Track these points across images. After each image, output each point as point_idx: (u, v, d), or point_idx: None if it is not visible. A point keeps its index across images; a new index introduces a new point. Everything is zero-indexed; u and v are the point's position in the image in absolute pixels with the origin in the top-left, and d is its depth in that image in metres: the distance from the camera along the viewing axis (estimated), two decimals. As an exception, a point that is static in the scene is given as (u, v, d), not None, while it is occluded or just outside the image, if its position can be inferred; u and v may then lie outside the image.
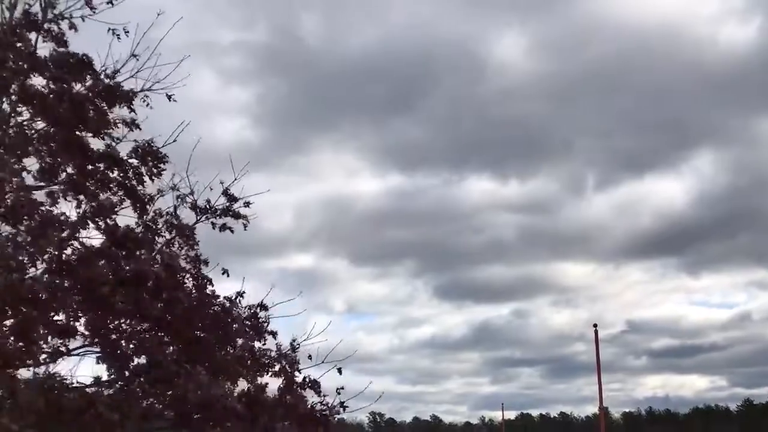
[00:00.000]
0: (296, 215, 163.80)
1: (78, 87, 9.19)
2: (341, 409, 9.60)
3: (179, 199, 9.86)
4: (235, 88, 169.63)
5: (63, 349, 8.99)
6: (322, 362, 9.65)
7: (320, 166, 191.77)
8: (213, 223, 10.04)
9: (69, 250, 9.07)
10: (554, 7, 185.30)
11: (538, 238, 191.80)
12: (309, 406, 9.44)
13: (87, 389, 8.66)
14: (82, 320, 9.04)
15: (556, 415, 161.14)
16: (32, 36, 9.28)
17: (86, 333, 9.19)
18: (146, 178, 9.57)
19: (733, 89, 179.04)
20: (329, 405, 9.54)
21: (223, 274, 9.78)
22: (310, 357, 9.70)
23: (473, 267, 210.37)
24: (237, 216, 10.04)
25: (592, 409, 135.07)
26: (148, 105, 9.64)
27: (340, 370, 9.60)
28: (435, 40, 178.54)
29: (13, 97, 9.02)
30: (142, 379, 9.00)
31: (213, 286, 9.65)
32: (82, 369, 9.35)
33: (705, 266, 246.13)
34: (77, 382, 8.89)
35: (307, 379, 9.53)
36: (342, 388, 9.54)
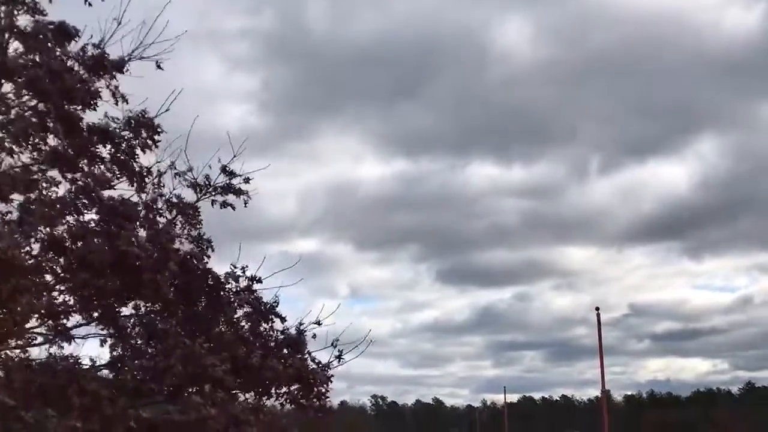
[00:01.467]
0: (301, 200, 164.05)
1: (59, 57, 8.84)
2: (336, 362, 9.53)
3: (177, 177, 9.62)
4: (240, 74, 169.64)
5: (61, 330, 8.84)
6: (333, 346, 9.55)
7: (325, 152, 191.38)
8: (213, 201, 9.78)
9: (62, 228, 8.85)
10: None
11: (541, 222, 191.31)
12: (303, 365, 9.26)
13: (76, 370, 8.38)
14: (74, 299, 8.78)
15: (558, 398, 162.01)
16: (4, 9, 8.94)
17: (83, 313, 9.01)
18: (138, 151, 9.24)
19: (736, 75, 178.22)
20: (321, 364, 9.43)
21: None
22: (314, 336, 9.54)
23: (476, 251, 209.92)
24: (237, 192, 9.81)
25: (594, 392, 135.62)
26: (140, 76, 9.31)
27: (339, 357, 9.54)
28: (439, 27, 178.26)
29: None
30: (141, 361, 8.77)
31: (208, 260, 9.43)
32: (87, 350, 9.26)
33: (707, 250, 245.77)
34: (78, 364, 8.68)
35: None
36: (337, 340, 9.50)
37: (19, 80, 8.64)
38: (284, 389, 9.36)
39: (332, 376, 9.52)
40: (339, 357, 9.55)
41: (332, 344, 9.52)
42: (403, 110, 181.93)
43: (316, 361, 9.50)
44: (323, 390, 9.40)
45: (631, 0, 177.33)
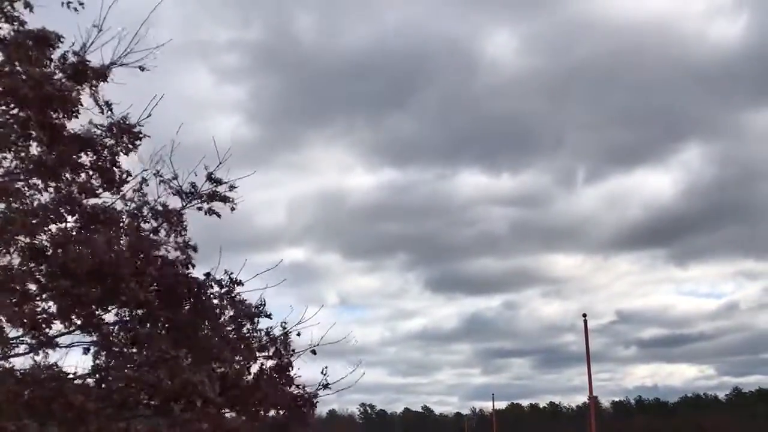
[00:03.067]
0: (289, 210, 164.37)
1: (41, 67, 8.78)
2: (324, 389, 9.54)
3: (163, 184, 9.59)
4: (229, 85, 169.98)
5: (45, 339, 8.75)
6: (313, 352, 9.57)
7: (313, 162, 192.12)
8: (199, 208, 9.74)
9: (44, 237, 8.77)
10: (545, 6, 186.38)
11: (528, 230, 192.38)
12: (293, 387, 9.25)
13: (62, 379, 8.30)
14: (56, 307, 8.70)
15: (546, 405, 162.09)
16: None
17: (65, 321, 8.92)
18: (120, 157, 9.22)
19: (720, 85, 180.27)
20: (308, 393, 9.42)
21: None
22: (298, 335, 9.52)
23: (464, 260, 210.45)
24: (223, 199, 9.78)
25: (582, 399, 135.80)
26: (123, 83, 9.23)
27: (314, 351, 9.52)
28: (428, 38, 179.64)
29: None
30: (129, 368, 8.70)
31: (193, 268, 9.37)
32: (71, 360, 9.19)
33: (693, 257, 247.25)
34: (62, 373, 8.60)
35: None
36: (326, 368, 9.52)
37: (1, 89, 8.56)
38: (272, 412, 9.34)
39: (317, 403, 9.56)
40: (325, 386, 9.55)
41: (312, 351, 9.51)
42: (391, 120, 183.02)
43: (304, 388, 9.52)
44: (310, 415, 9.42)
45: (616, 11, 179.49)
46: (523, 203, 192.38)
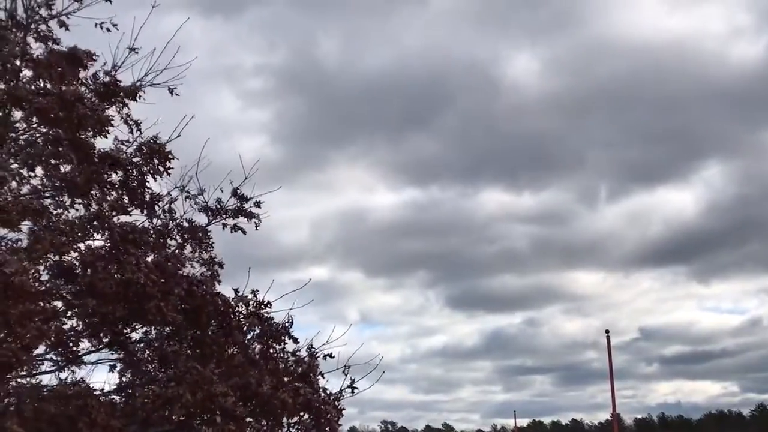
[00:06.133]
0: (313, 229, 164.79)
1: (71, 86, 8.84)
2: (349, 391, 9.41)
3: (189, 200, 9.61)
4: (255, 108, 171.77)
5: (71, 356, 8.77)
6: (344, 373, 9.46)
7: (337, 182, 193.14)
8: (224, 224, 9.74)
9: (73, 255, 8.80)
10: (566, 28, 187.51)
11: (550, 248, 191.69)
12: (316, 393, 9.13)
13: (87, 396, 8.28)
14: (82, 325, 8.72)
15: (568, 422, 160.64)
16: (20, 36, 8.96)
17: (92, 339, 8.94)
18: (149, 177, 9.21)
19: (740, 104, 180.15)
20: (332, 395, 9.30)
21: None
22: (328, 356, 9.42)
23: (485, 277, 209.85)
24: (248, 215, 9.76)
25: (604, 416, 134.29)
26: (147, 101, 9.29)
27: (351, 387, 9.41)
28: (449, 61, 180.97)
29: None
30: (152, 387, 8.67)
31: (218, 284, 9.36)
32: (98, 377, 9.24)
33: (715, 274, 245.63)
34: (87, 390, 8.60)
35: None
36: (354, 381, 9.38)
37: (29, 108, 8.62)
38: (295, 419, 9.21)
39: (343, 409, 9.38)
40: (351, 387, 9.42)
41: (343, 371, 9.40)
42: (413, 140, 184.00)
43: (327, 392, 9.37)
44: (335, 419, 9.25)
45: (636, 31, 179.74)
46: (544, 221, 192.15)
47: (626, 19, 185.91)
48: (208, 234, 9.72)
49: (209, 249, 9.70)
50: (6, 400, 8.23)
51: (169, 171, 9.35)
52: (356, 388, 9.41)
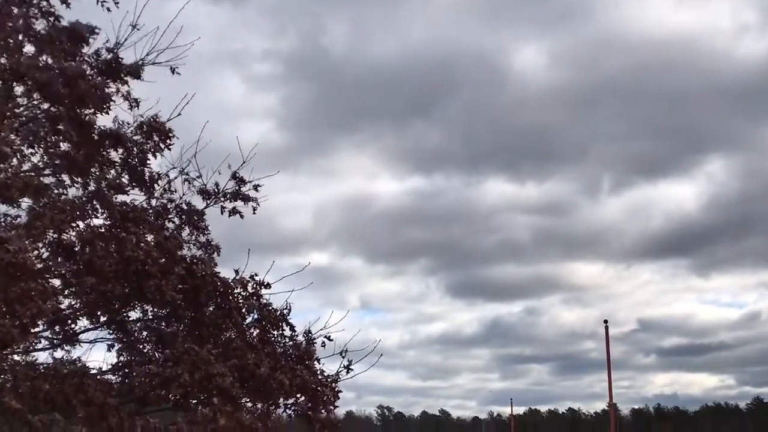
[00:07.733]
0: (316, 214, 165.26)
1: (73, 62, 8.76)
2: (345, 373, 9.38)
3: (187, 183, 9.56)
4: (261, 93, 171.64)
5: (68, 334, 8.79)
6: (342, 355, 9.42)
7: (341, 168, 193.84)
8: (222, 207, 9.71)
9: (72, 233, 8.80)
10: (573, 22, 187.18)
11: (552, 238, 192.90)
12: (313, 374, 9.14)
13: (83, 375, 8.31)
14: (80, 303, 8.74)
15: (565, 411, 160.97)
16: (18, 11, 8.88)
17: (90, 318, 8.96)
18: (150, 156, 9.17)
19: (745, 99, 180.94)
20: (329, 376, 9.28)
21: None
22: (326, 338, 9.40)
23: (486, 266, 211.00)
24: (246, 199, 9.71)
25: (601, 406, 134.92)
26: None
27: (348, 368, 9.39)
28: (456, 51, 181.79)
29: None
30: (149, 367, 8.70)
31: (215, 266, 9.32)
32: (95, 356, 9.25)
33: (715, 267, 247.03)
34: (84, 369, 8.63)
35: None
36: (346, 351, 9.34)
37: (31, 83, 8.59)
38: (291, 400, 9.22)
39: (340, 391, 9.36)
40: (348, 368, 9.40)
41: (341, 354, 9.37)
42: (418, 128, 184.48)
43: (325, 374, 9.35)
44: (331, 401, 9.27)
45: (643, 27, 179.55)
46: (546, 212, 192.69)
47: (633, 14, 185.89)
48: (204, 217, 9.66)
49: (206, 232, 9.65)
50: (2, 376, 8.26)
51: (170, 147, 9.29)
52: (352, 369, 9.38)
